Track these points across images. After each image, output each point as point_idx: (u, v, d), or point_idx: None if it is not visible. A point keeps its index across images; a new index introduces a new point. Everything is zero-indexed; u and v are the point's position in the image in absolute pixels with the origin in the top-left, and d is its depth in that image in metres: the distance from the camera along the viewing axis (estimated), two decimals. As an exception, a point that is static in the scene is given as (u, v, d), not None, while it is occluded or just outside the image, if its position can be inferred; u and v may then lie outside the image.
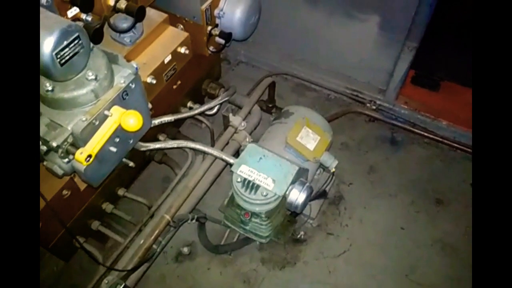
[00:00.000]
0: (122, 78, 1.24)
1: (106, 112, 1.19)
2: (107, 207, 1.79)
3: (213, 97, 2.09)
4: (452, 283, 1.84)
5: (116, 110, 1.20)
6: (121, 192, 1.85)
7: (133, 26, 1.41)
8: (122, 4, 1.26)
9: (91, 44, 1.19)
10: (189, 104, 2.01)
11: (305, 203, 1.59)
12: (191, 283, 1.87)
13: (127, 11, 1.26)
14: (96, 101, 1.20)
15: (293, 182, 1.58)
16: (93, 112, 1.17)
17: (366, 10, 2.05)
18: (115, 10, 1.27)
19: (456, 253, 1.92)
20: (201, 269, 1.90)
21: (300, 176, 1.64)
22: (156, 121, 1.66)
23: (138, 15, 1.27)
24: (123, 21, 1.40)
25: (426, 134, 2.26)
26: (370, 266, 1.90)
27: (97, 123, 1.18)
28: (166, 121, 1.70)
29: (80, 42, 1.07)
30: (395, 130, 2.35)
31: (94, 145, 1.16)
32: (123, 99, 1.24)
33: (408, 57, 2.07)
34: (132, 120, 1.18)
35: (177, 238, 1.85)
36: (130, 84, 1.25)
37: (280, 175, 1.57)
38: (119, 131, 1.22)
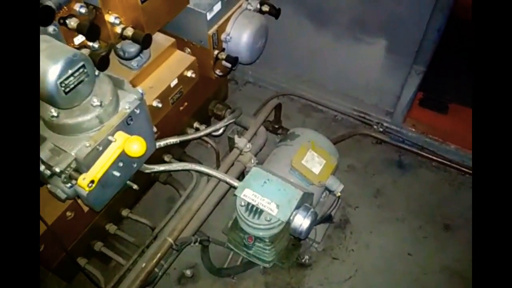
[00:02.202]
0: (127, 103, 1.25)
1: (110, 138, 1.19)
2: (111, 228, 1.79)
3: (219, 118, 2.09)
4: (461, 313, 1.80)
5: (120, 136, 1.20)
6: (125, 212, 1.85)
7: (139, 53, 1.42)
8: (129, 32, 1.27)
9: (97, 71, 1.20)
10: (196, 124, 2.01)
11: (309, 229, 1.57)
12: (194, 307, 1.85)
13: (133, 38, 1.28)
14: (101, 126, 1.20)
15: (297, 208, 1.56)
16: (97, 138, 1.17)
17: (374, 33, 2.05)
18: (122, 37, 1.29)
19: (464, 280, 1.87)
20: (203, 293, 1.89)
21: (305, 201, 1.62)
22: (162, 143, 1.67)
23: (144, 42, 1.28)
24: (130, 47, 1.41)
25: (434, 157, 2.23)
26: (376, 293, 1.86)
27: (100, 148, 1.18)
28: (172, 143, 1.70)
29: (85, 71, 1.07)
30: (403, 153, 2.32)
31: (97, 171, 1.16)
32: (128, 125, 1.24)
33: (416, 81, 2.05)
34: (136, 146, 1.18)
35: (180, 260, 1.83)
36: (135, 110, 1.25)
37: (284, 200, 1.56)
38: (123, 156, 1.22)
